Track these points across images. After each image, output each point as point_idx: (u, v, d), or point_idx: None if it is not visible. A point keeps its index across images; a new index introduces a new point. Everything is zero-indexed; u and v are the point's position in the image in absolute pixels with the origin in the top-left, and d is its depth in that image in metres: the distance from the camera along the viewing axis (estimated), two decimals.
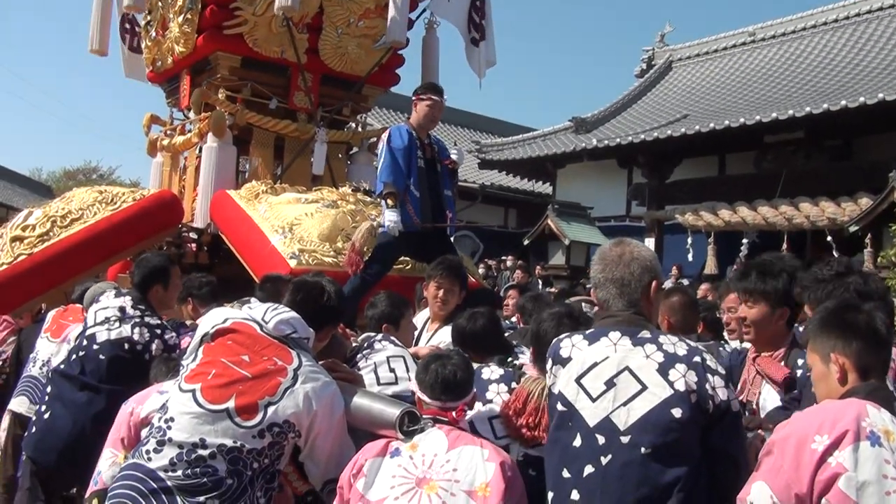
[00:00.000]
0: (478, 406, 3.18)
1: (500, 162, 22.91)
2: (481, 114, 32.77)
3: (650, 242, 18.41)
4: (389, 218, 5.61)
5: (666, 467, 2.43)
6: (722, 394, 2.51)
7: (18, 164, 79.30)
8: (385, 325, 4.14)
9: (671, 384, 2.48)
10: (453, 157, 6.22)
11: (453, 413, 2.93)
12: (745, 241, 15.35)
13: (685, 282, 13.33)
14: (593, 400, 2.54)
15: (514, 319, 5.91)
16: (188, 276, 5.52)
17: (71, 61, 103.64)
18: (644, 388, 2.50)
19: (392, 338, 3.87)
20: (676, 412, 2.45)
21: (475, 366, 3.39)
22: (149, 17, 8.73)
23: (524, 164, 22.69)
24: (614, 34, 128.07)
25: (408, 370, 3.57)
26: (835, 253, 13.89)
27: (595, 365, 2.58)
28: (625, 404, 2.49)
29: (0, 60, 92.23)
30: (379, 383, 3.51)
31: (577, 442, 2.53)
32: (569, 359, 2.64)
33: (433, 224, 5.91)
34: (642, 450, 2.44)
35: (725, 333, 5.19)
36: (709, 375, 2.52)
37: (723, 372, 2.59)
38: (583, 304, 5.31)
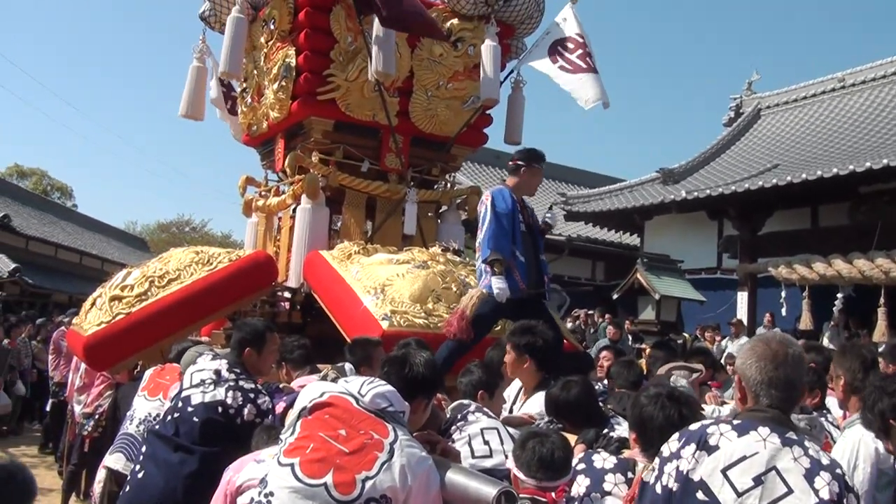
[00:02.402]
0: (595, 496, 3.09)
1: (587, 214, 22.70)
2: (567, 165, 32.73)
3: (743, 296, 18.02)
4: (497, 285, 5.62)
5: None
6: None
7: (114, 219, 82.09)
8: (481, 393, 4.14)
9: (816, 492, 2.44)
10: (547, 219, 6.24)
11: (553, 494, 2.88)
12: (840, 295, 14.89)
13: None
14: (739, 495, 2.47)
15: (606, 382, 5.83)
16: (282, 341, 5.59)
17: (159, 119, 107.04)
18: (790, 491, 2.45)
19: (485, 409, 3.86)
20: None
21: (585, 451, 3.34)
22: (244, 84, 9.05)
23: (611, 216, 22.44)
24: (701, 82, 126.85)
25: (502, 443, 3.56)
26: None
27: (743, 458, 2.51)
28: None
29: (99, 121, 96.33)
30: (473, 456, 3.49)
31: None
32: (716, 447, 2.56)
33: (536, 291, 5.93)
34: None
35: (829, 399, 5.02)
36: (847, 492, 2.49)
37: (858, 492, 2.59)
38: (677, 373, 5.23)
